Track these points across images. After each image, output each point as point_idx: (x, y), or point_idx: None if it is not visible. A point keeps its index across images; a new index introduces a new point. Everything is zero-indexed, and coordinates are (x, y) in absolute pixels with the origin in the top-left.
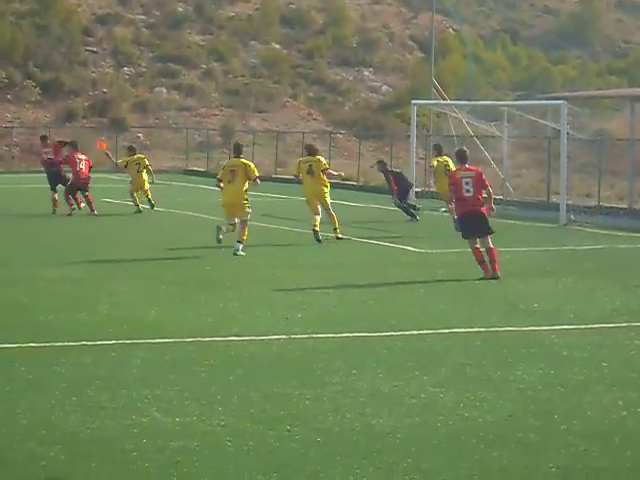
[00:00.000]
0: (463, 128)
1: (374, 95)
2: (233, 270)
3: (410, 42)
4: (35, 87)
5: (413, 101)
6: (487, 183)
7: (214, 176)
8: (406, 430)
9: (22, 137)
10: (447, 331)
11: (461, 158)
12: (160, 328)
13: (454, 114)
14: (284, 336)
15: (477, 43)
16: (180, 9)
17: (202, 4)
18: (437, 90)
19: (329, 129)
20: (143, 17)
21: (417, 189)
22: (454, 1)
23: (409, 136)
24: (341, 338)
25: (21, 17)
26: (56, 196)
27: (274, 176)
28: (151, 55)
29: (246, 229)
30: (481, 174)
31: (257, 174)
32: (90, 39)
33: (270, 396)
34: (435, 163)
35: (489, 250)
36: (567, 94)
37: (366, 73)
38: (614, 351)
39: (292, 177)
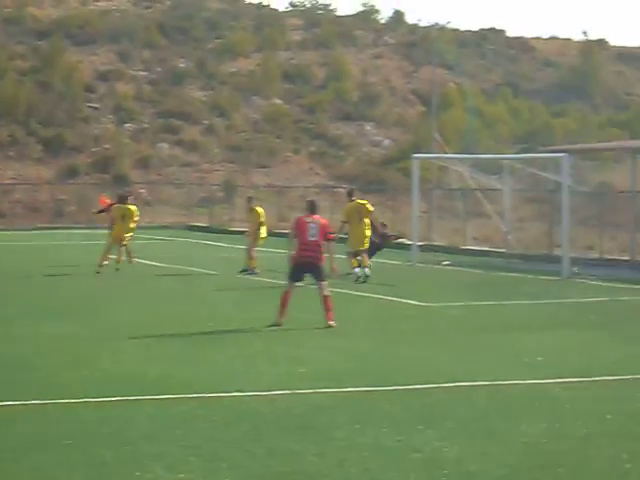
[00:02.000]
0: (465, 181)
1: (376, 149)
2: (235, 325)
3: (411, 96)
4: (37, 144)
5: (415, 155)
6: (331, 237)
7: (217, 231)
8: None
9: (24, 194)
10: (451, 385)
11: (310, 208)
12: (163, 384)
13: (456, 168)
14: (288, 391)
15: (478, 96)
16: (182, 65)
17: (203, 60)
18: (439, 144)
19: (331, 183)
20: (145, 73)
21: (419, 243)
22: (455, 55)
23: (411, 190)
24: (345, 393)
25: (23, 74)
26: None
27: (276, 231)
28: (153, 111)
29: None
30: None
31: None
32: (92, 95)
33: (274, 451)
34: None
35: (325, 298)
36: (568, 147)
37: (368, 127)
38: (618, 404)
39: None
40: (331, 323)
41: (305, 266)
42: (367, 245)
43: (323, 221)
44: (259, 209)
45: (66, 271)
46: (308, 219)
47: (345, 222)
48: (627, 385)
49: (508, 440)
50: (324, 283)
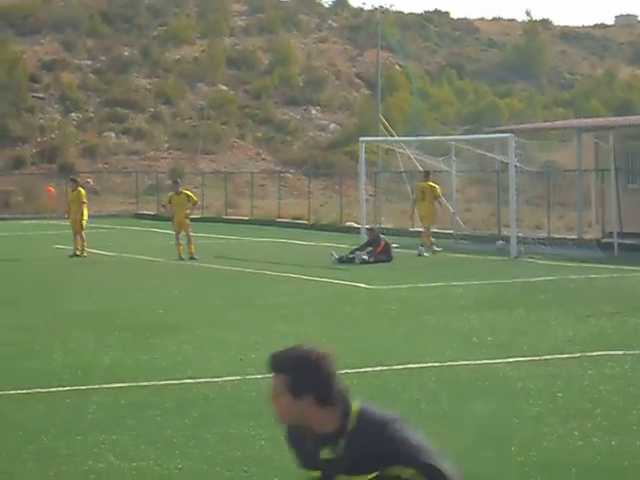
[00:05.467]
0: (412, 164)
1: (322, 133)
2: (186, 313)
3: (357, 80)
4: None
5: (361, 138)
6: None
7: (165, 219)
8: None
9: None
10: (401, 367)
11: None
12: (114, 373)
13: (402, 150)
14: (238, 377)
15: (423, 79)
16: (126, 53)
17: (148, 48)
18: (385, 127)
19: (278, 169)
20: (89, 62)
21: (367, 225)
22: (399, 37)
23: (358, 173)
24: None
25: None
26: None
27: (225, 217)
28: (98, 100)
29: None
30: None
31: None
32: (37, 85)
33: (226, 438)
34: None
35: None
36: (514, 127)
37: (314, 112)
38: (568, 382)
39: (243, 218)
40: None
41: None
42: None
43: None
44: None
45: (14, 262)
46: None
47: (415, 199)
48: (577, 363)
49: (459, 420)
50: None
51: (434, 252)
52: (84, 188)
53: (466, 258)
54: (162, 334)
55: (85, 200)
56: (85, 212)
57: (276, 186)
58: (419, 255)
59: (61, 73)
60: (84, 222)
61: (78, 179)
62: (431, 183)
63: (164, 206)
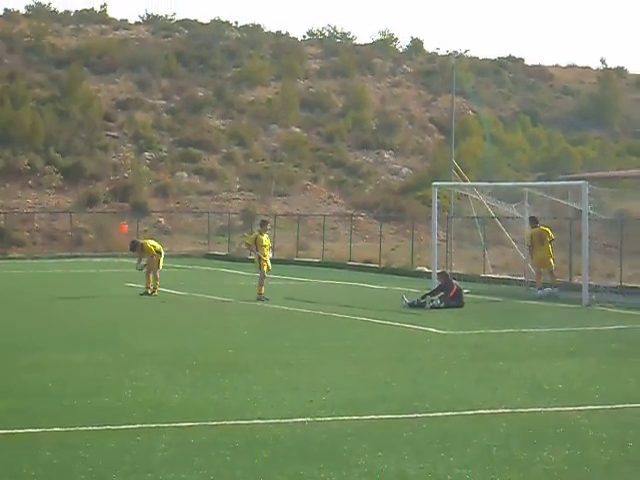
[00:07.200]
0: (484, 210)
1: (394, 177)
2: (256, 353)
3: (430, 124)
4: (56, 173)
5: (434, 183)
6: None
7: (235, 260)
8: None
9: (43, 222)
10: (472, 413)
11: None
12: (184, 412)
13: (475, 196)
14: (309, 419)
15: (497, 125)
16: (200, 94)
17: (222, 89)
18: (458, 172)
19: (350, 212)
20: (163, 102)
21: (438, 270)
22: (473, 83)
23: (430, 218)
24: (366, 420)
25: (42, 103)
26: None
27: (296, 259)
28: (172, 140)
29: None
30: None
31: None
32: (111, 124)
33: (296, 479)
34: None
35: None
36: (587, 174)
37: (386, 156)
38: None
39: (314, 260)
40: None
41: None
42: (552, 266)
43: None
44: (260, 235)
45: (86, 299)
46: None
47: (530, 246)
48: None
49: (530, 467)
50: None
51: (555, 293)
52: (146, 245)
53: (537, 305)
54: (232, 374)
55: (153, 253)
56: (162, 255)
57: (347, 229)
58: (540, 297)
59: (135, 112)
60: (160, 262)
61: (137, 242)
62: (544, 227)
63: (248, 245)
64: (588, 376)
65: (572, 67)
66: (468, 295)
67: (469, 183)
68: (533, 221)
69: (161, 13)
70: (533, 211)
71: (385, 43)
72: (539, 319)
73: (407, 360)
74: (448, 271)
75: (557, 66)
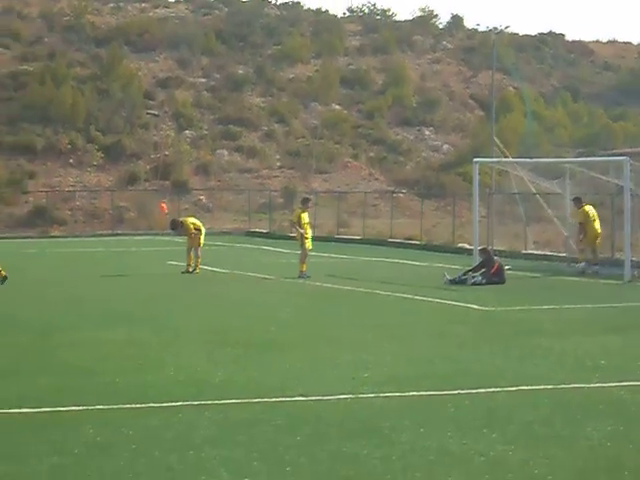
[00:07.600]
0: (525, 186)
1: (435, 154)
2: (297, 330)
3: (470, 101)
4: (97, 151)
5: (475, 159)
6: None
7: (276, 237)
8: None
9: (85, 201)
10: (514, 389)
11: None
12: (226, 389)
13: (516, 172)
14: (351, 395)
15: (537, 101)
16: (240, 71)
17: (262, 66)
18: (499, 148)
19: (391, 189)
20: (204, 80)
21: (480, 247)
22: (514, 59)
23: (471, 195)
24: (408, 397)
25: (83, 82)
26: None
27: (336, 236)
28: (212, 117)
29: None
30: None
31: None
32: (151, 102)
33: (338, 456)
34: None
35: None
36: (628, 150)
37: (427, 132)
38: None
39: (355, 237)
40: None
41: None
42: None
43: None
44: (302, 213)
45: (127, 277)
46: None
47: (581, 224)
48: None
49: (572, 444)
50: None
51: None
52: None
53: (579, 281)
54: (273, 351)
55: (192, 231)
56: (202, 233)
57: (388, 206)
58: (582, 272)
59: (175, 90)
60: (202, 240)
61: (177, 221)
62: (588, 207)
63: (293, 222)
64: (631, 352)
65: (613, 42)
66: (509, 271)
67: (510, 159)
68: (578, 202)
69: None
70: (574, 187)
71: (425, 20)
72: (581, 295)
73: (449, 336)
74: (489, 247)
75: (598, 41)
